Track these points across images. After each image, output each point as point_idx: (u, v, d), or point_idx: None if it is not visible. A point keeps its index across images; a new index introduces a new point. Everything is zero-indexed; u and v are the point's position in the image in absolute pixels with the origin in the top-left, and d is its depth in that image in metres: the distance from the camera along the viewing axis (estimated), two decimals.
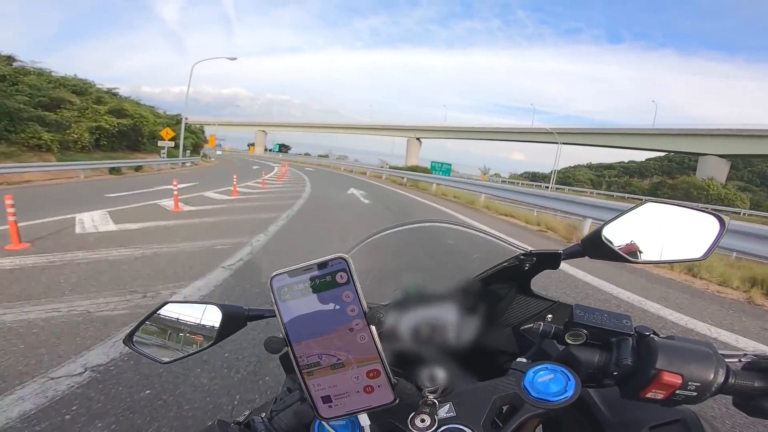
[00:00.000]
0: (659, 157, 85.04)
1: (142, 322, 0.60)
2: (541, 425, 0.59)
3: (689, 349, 0.45)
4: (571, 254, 0.63)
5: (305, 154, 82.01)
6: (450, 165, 30.98)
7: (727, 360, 0.45)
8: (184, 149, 28.02)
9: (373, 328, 0.41)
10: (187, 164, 26.20)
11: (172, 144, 23.50)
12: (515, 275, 0.70)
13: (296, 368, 0.42)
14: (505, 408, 0.49)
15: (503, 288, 0.73)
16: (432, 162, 30.37)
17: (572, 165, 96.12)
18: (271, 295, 0.41)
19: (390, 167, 29.11)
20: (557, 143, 46.95)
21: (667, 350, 0.44)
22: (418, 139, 71.19)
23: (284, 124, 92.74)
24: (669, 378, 0.43)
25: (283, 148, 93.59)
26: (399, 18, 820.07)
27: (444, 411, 0.47)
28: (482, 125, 67.56)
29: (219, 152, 63.55)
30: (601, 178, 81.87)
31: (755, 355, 0.47)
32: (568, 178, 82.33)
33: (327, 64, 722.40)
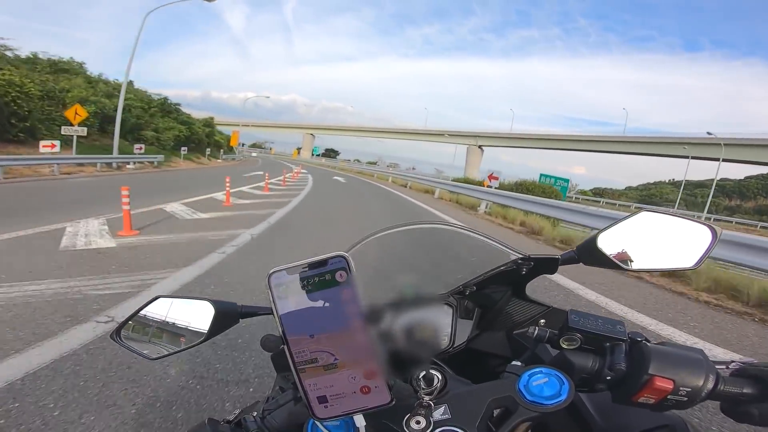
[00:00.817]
0: (762, 175, 65.87)
1: (131, 317, 0.54)
2: (530, 429, 0.54)
3: (681, 355, 0.44)
4: (566, 260, 0.61)
5: (355, 161, 70.79)
6: (568, 181, 17.65)
7: (716, 366, 0.44)
8: (128, 141, 16.85)
9: (371, 328, 0.38)
10: (129, 165, 14.92)
11: (83, 132, 12.29)
12: (511, 279, 0.67)
13: (292, 367, 0.39)
14: (498, 411, 0.46)
15: (499, 292, 0.69)
16: (541, 175, 17.06)
17: (651, 181, 79.31)
18: (269, 291, 0.37)
19: (497, 187, 12.22)
20: (718, 159, 31.56)
21: (660, 356, 0.43)
22: (480, 147, 57.39)
23: (332, 128, 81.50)
24: (661, 383, 0.42)
25: (330, 153, 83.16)
26: (452, 27, 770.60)
27: (439, 413, 0.45)
28: (563, 133, 52.73)
29: (254, 154, 54.95)
30: (692, 197, 64.81)
31: (743, 363, 0.46)
32: (653, 196, 66.09)
33: (380, 73, 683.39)
